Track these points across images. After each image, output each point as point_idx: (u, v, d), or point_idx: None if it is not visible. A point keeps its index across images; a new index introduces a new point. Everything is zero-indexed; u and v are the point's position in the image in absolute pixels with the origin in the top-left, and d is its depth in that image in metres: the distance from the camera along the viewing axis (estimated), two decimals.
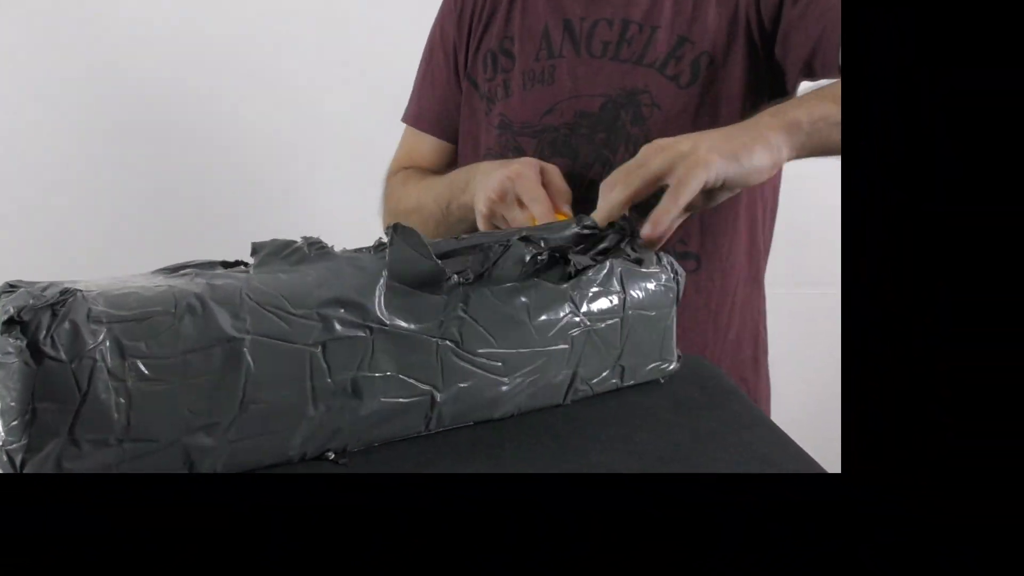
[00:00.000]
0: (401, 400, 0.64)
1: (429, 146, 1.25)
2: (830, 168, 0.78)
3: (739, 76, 1.04)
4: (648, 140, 0.95)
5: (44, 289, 0.53)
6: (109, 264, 0.70)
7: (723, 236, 1.08)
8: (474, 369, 0.67)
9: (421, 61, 1.25)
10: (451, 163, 1.22)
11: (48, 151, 1.61)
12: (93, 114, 1.62)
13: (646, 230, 0.74)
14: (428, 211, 1.10)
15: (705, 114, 1.04)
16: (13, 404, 0.50)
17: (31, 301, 0.51)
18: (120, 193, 1.65)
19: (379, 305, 0.62)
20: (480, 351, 0.67)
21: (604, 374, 0.76)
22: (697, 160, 0.72)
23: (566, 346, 0.72)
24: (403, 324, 0.63)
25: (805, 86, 1.03)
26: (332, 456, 0.62)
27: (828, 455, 0.61)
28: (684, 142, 0.76)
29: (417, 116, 1.25)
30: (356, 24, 1.68)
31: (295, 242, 0.64)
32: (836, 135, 0.79)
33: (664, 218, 0.73)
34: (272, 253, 0.63)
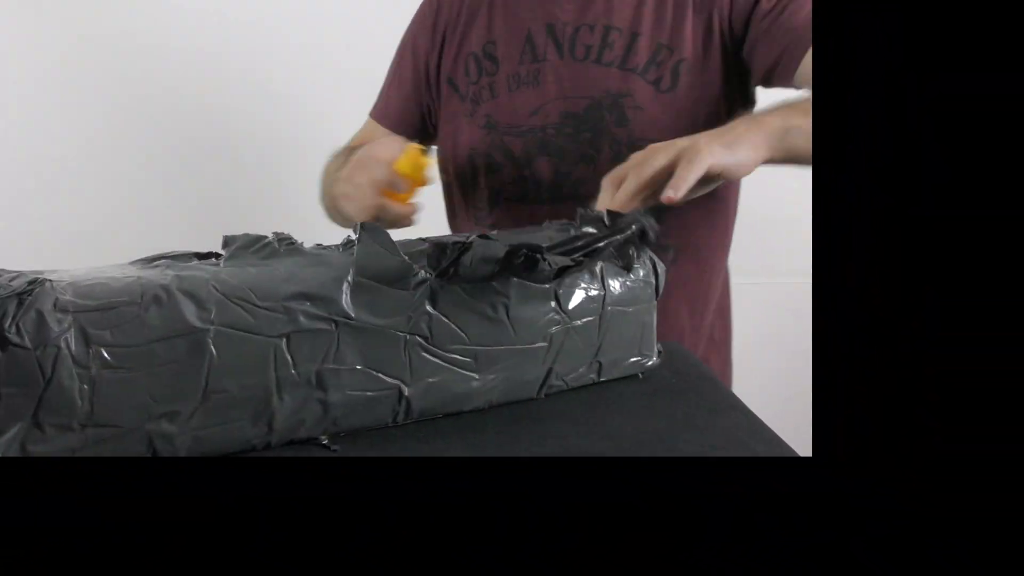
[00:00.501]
0: (368, 393, 0.63)
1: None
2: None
3: (716, 81, 1.07)
4: (632, 141, 1.04)
5: (13, 279, 0.53)
6: (107, 256, 0.70)
7: (700, 229, 1.12)
8: (444, 364, 0.66)
9: (392, 62, 1.25)
10: None
11: (44, 147, 1.59)
12: (93, 110, 1.60)
13: (668, 194, 0.76)
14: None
15: (685, 117, 1.07)
16: None
17: None
18: (115, 188, 1.63)
19: (345, 299, 0.62)
20: (451, 347, 0.66)
21: (580, 370, 0.75)
22: (700, 148, 0.78)
23: (544, 344, 0.71)
24: (369, 318, 0.62)
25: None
26: (325, 440, 0.62)
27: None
28: (683, 140, 0.80)
29: (384, 113, 1.24)
30: (352, 25, 1.67)
31: (265, 237, 0.64)
32: (803, 144, 0.83)
33: (683, 184, 0.76)
34: (243, 247, 0.63)
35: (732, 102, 1.08)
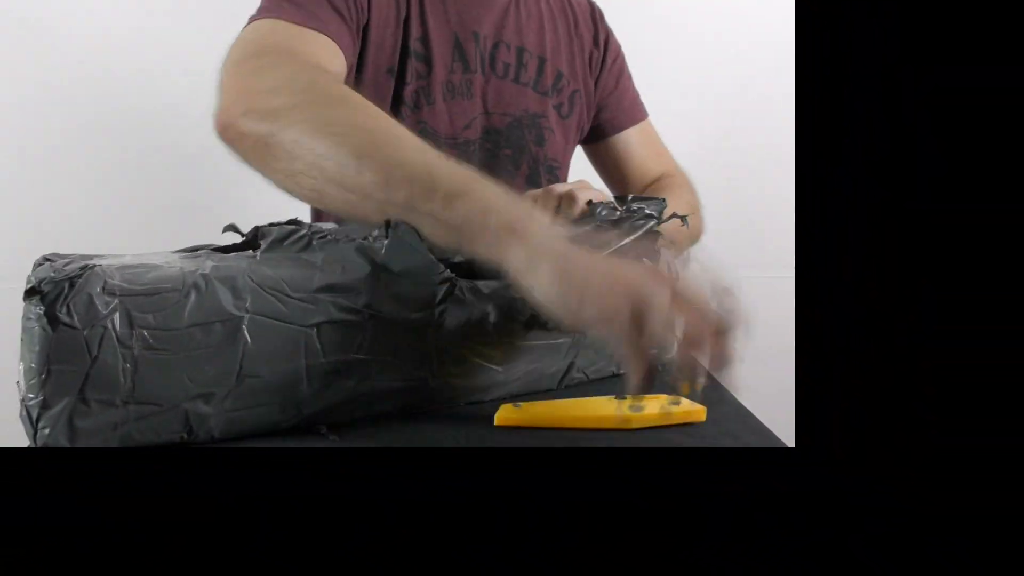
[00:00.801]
0: (393, 384, 0.64)
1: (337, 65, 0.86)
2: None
3: (585, 116, 1.13)
4: (547, 161, 1.07)
5: (67, 263, 0.57)
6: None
7: None
8: (469, 357, 0.66)
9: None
10: None
11: (33, 151, 1.59)
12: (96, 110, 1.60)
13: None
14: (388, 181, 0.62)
15: (569, 143, 1.12)
16: (33, 365, 0.55)
17: (52, 273, 0.55)
18: (126, 184, 1.63)
19: (374, 293, 0.62)
20: (476, 341, 0.66)
21: (600, 363, 0.76)
22: None
23: (567, 338, 0.71)
24: (397, 311, 0.63)
25: None
26: (324, 430, 0.63)
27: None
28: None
29: (319, 20, 0.86)
30: None
31: (300, 229, 0.65)
32: None
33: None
34: (278, 240, 0.64)
35: (581, 137, 1.16)
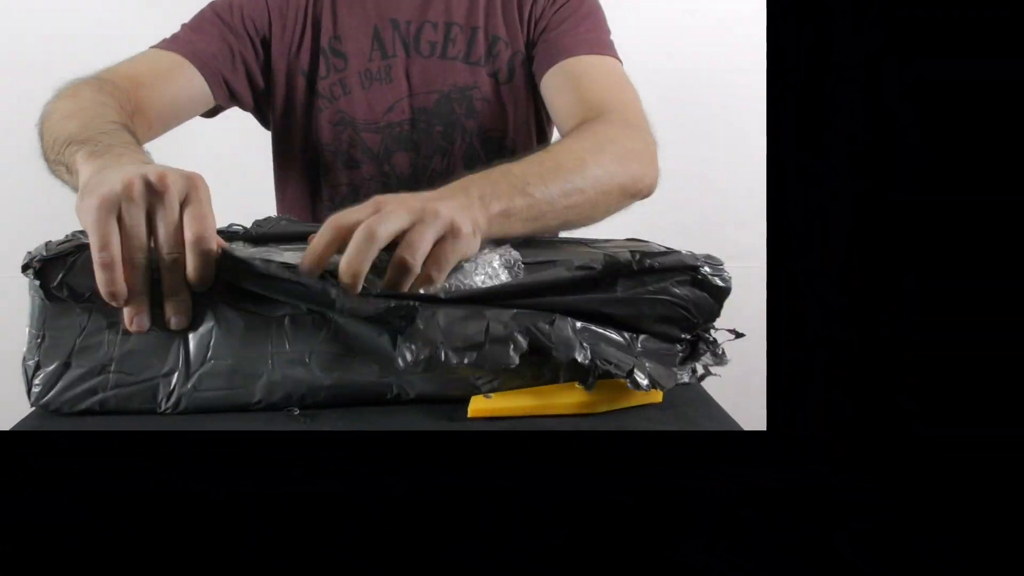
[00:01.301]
0: (358, 380, 0.64)
1: (189, 89, 0.98)
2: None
3: (530, 75, 1.08)
4: (482, 131, 1.06)
5: (63, 243, 0.61)
6: None
7: None
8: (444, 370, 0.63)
9: (210, 15, 1.03)
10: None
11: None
12: None
13: (430, 281, 0.64)
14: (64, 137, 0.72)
15: (522, 107, 1.09)
16: (32, 330, 0.62)
17: (44, 251, 0.61)
18: None
19: (346, 292, 0.61)
20: (453, 356, 0.62)
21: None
22: (439, 213, 0.64)
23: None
24: (367, 311, 0.61)
25: None
26: (296, 411, 0.63)
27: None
28: (416, 200, 0.65)
29: (193, 51, 0.98)
30: None
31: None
32: (517, 229, 0.71)
33: (444, 266, 0.64)
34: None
35: (535, 95, 1.09)
